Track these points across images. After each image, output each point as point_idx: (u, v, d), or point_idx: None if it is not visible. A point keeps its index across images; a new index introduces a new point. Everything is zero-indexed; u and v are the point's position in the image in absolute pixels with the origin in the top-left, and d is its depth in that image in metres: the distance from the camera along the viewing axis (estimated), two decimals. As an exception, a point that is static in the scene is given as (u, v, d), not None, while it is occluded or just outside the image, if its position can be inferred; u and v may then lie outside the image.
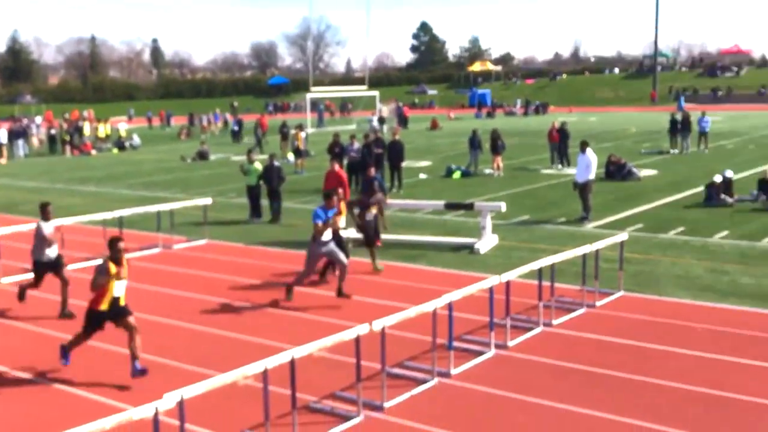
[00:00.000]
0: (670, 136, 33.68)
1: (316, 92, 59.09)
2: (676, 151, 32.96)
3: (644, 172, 25.74)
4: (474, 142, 28.01)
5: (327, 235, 11.94)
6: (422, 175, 27.59)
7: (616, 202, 20.44)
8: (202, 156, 36.65)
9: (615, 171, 25.17)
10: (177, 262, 15.03)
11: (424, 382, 8.56)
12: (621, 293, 11.91)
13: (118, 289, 8.88)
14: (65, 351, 9.14)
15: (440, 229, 17.62)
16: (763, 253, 14.45)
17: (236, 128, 47.64)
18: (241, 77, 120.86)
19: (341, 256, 12.04)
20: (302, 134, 31.50)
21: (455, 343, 9.23)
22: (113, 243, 8.97)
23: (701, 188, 20.80)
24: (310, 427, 7.42)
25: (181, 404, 6.17)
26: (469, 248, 15.31)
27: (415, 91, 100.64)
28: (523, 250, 15.06)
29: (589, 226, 17.47)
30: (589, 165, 17.89)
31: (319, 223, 11.82)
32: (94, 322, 8.92)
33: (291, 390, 7.02)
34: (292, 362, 6.99)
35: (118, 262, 8.86)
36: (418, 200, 20.19)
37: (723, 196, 19.65)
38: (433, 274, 13.55)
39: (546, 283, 10.59)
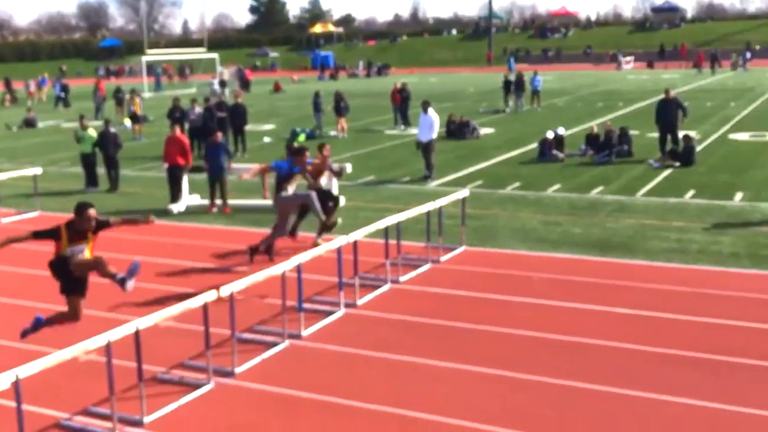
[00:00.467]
0: (504, 95, 35.00)
1: (152, 55, 56.77)
2: (512, 107, 34.32)
3: (482, 131, 26.65)
4: (317, 105, 27.93)
5: (289, 190, 11.62)
6: (267, 139, 27.26)
7: (457, 161, 21.06)
8: (30, 124, 34.45)
9: (456, 130, 25.90)
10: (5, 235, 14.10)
11: (274, 345, 8.55)
12: (464, 248, 12.34)
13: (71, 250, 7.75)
14: (120, 279, 7.71)
15: (287, 192, 17.50)
16: (591, 204, 15.39)
17: (62, 94, 44.86)
18: (69, 39, 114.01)
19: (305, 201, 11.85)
20: (138, 99, 30.31)
21: (305, 305, 9.25)
22: (79, 209, 7.69)
23: (535, 145, 21.80)
24: (159, 398, 7.24)
25: (16, 384, 5.84)
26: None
27: (256, 53, 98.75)
28: (369, 210, 15.25)
29: (433, 184, 17.93)
30: (432, 124, 18.31)
31: (274, 169, 11.71)
32: (57, 269, 7.89)
33: (137, 362, 6.81)
34: (137, 333, 6.77)
35: (80, 234, 7.68)
36: (263, 164, 19.93)
37: (555, 151, 20.69)
38: (280, 237, 13.45)
39: (392, 242, 10.80)
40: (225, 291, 7.74)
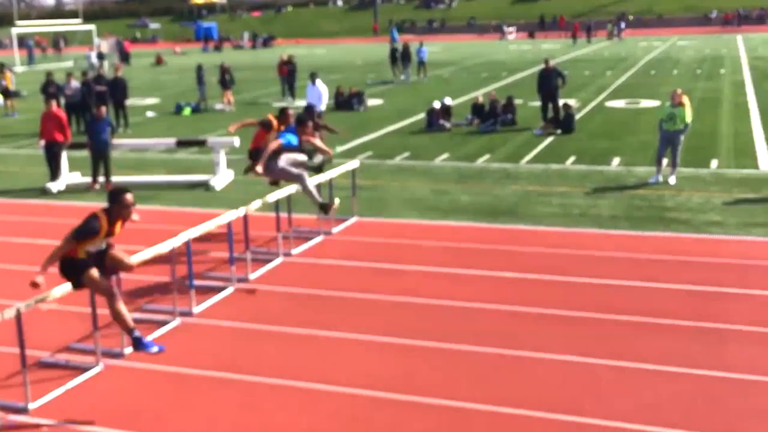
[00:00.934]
0: (391, 66, 35.18)
1: (23, 27, 53.87)
2: (401, 79, 34.54)
3: (371, 102, 26.72)
4: (201, 77, 27.29)
5: (281, 162, 10.31)
6: (150, 113, 26.46)
7: (346, 132, 21.03)
8: None
9: (344, 102, 25.85)
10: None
11: (165, 323, 8.38)
12: (355, 218, 12.40)
13: (97, 246, 6.76)
14: (137, 339, 6.74)
15: (173, 167, 17.10)
16: (478, 172, 15.74)
17: None
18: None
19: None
20: (9, 73, 28.83)
21: (196, 282, 9.10)
22: (117, 195, 6.74)
23: (423, 115, 22.06)
24: (44, 384, 6.99)
25: None
26: (205, 185, 15.05)
27: (136, 24, 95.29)
28: (260, 183, 15.00)
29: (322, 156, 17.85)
30: (320, 96, 18.25)
31: (282, 142, 10.19)
32: (78, 268, 6.71)
33: (19, 347, 6.53)
34: (18, 317, 6.48)
35: (113, 228, 6.77)
36: (147, 139, 19.38)
37: (442, 121, 21.00)
38: (168, 213, 13.17)
39: (284, 215, 10.73)
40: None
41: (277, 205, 10.41)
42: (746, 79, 29.96)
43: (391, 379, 7.02)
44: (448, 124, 20.97)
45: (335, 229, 11.82)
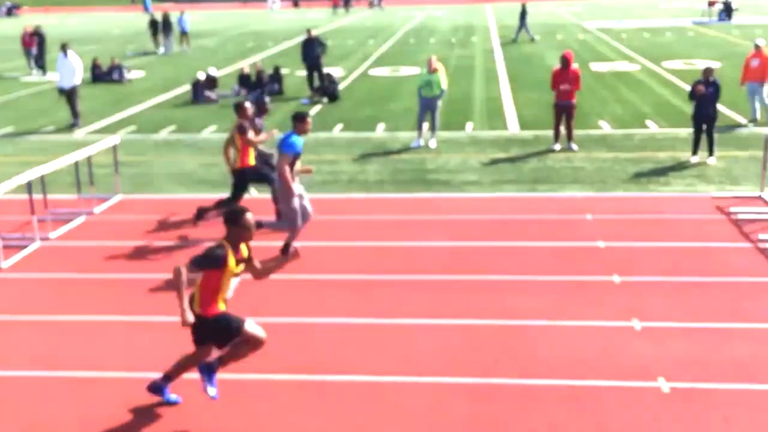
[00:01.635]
0: (152, 36, 33.76)
1: None
2: (161, 51, 33.25)
3: (132, 74, 25.53)
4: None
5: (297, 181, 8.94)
6: None
7: (105, 107, 19.99)
8: None
9: (102, 74, 24.47)
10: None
11: None
12: (120, 197, 11.87)
13: (231, 288, 5.68)
14: (161, 387, 6.08)
15: None
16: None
17: None
18: None
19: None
20: None
21: (-61, 275, 8.29)
22: (237, 217, 5.70)
23: (188, 87, 21.43)
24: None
25: None
26: (-55, 169, 13.68)
27: None
28: (11, 164, 13.97)
29: (81, 132, 16.88)
30: (74, 70, 17.15)
31: (289, 154, 8.72)
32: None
33: None
34: None
35: (237, 249, 5.79)
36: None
37: (208, 92, 20.53)
38: None
39: (38, 196, 10.03)
40: None
41: (29, 187, 9.69)
42: (495, 47, 32.07)
43: (170, 359, 6.85)
44: (214, 96, 20.54)
45: (97, 209, 11.24)
